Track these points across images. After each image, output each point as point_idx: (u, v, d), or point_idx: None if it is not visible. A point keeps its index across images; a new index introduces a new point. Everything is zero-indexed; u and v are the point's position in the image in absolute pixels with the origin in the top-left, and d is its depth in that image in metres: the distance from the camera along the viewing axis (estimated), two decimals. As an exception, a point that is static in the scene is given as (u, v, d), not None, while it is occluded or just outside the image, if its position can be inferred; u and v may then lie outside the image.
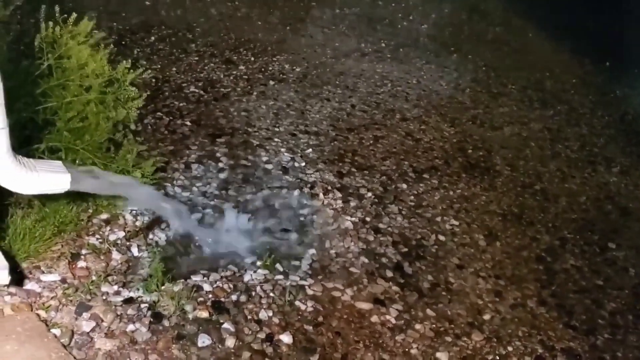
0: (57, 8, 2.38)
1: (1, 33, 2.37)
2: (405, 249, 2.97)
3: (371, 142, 4.04)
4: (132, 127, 3.38)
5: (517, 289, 2.91)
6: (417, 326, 2.47)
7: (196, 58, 4.77)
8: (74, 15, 2.41)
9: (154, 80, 4.19)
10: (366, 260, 2.80)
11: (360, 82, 5.03)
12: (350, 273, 2.69)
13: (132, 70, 2.55)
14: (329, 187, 3.34)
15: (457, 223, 3.32)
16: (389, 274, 2.75)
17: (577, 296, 2.99)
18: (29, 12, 2.58)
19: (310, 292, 2.49)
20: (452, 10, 7.82)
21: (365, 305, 2.50)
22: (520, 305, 2.81)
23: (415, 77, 5.40)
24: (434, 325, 2.51)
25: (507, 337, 2.57)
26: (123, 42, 4.72)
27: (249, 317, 2.27)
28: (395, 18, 7.10)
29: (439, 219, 3.31)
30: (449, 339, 2.46)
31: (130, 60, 2.60)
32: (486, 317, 2.66)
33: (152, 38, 4.96)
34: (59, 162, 1.97)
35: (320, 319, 2.36)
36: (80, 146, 2.47)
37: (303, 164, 3.53)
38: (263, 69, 4.85)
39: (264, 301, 2.36)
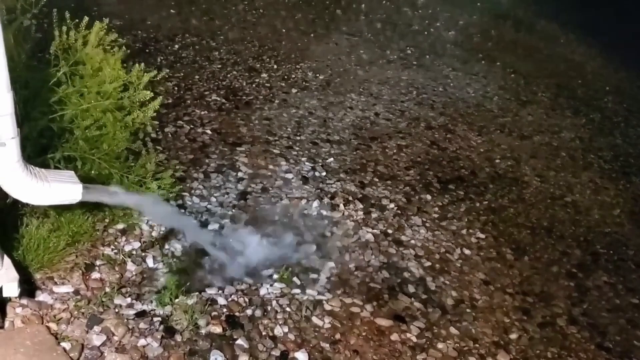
0: (67, 14, 2.35)
1: (18, 41, 2.34)
2: (429, 263, 2.87)
3: (395, 151, 3.95)
4: (153, 135, 3.39)
5: (546, 307, 2.79)
6: (440, 345, 2.36)
7: (219, 66, 4.75)
8: (86, 19, 2.37)
9: (176, 88, 4.17)
10: (387, 275, 2.71)
11: (385, 90, 4.95)
12: (370, 288, 2.60)
13: (146, 73, 2.50)
14: (350, 198, 3.26)
15: (483, 236, 3.20)
16: (411, 289, 2.66)
17: (611, 315, 2.84)
18: (49, 19, 2.55)
19: (328, 307, 2.40)
20: (480, 16, 7.69)
21: (385, 322, 2.40)
22: (550, 324, 2.68)
23: (442, 85, 5.30)
24: (458, 345, 2.40)
25: (535, 358, 2.44)
26: (147, 50, 4.73)
27: (264, 333, 2.19)
28: (421, 25, 7.01)
29: (464, 231, 3.21)
30: (473, 359, 2.35)
31: (143, 64, 2.54)
32: (513, 336, 2.54)
33: (176, 46, 4.96)
34: (71, 173, 1.92)
35: (338, 336, 2.27)
36: (97, 155, 2.43)
37: (324, 173, 3.46)
38: (286, 77, 4.80)
39: (279, 316, 2.29)
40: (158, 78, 2.60)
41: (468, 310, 2.63)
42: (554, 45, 7.33)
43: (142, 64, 2.54)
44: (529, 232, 3.36)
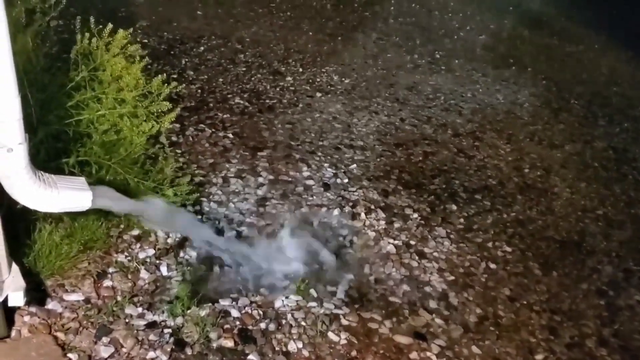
0: (92, 19, 2.31)
1: (37, 44, 2.32)
2: (452, 277, 2.76)
3: (420, 158, 3.84)
4: (174, 138, 3.36)
5: (574, 326, 2.65)
6: (461, 365, 2.26)
7: (244, 69, 4.70)
8: (110, 26, 2.33)
9: (199, 91, 4.14)
10: (408, 289, 2.61)
11: (412, 95, 4.84)
12: (390, 303, 2.50)
13: (167, 85, 2.44)
14: (372, 206, 3.16)
15: (510, 250, 3.08)
16: (433, 304, 2.55)
17: (644, 337, 2.70)
18: (71, 21, 2.52)
19: (345, 322, 2.32)
20: (511, 20, 7.52)
21: (404, 340, 2.31)
22: (578, 345, 2.55)
23: (470, 91, 5.17)
24: (480, 365, 2.29)
25: (562, 381, 2.33)
26: (172, 52, 4.71)
27: (277, 348, 2.12)
28: (451, 29, 6.88)
29: (490, 244, 3.09)
30: (495, 381, 2.24)
31: (165, 74, 2.49)
32: (539, 357, 2.42)
33: (201, 48, 4.93)
34: (82, 179, 1.88)
35: (354, 353, 2.18)
36: (113, 160, 2.39)
37: (346, 180, 3.38)
38: (311, 81, 4.73)
39: (294, 331, 2.21)
40: (178, 89, 2.55)
41: (492, 328, 2.52)
42: (588, 51, 7.12)
43: (164, 75, 2.49)
44: (557, 246, 3.22)
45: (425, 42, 6.26)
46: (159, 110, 2.41)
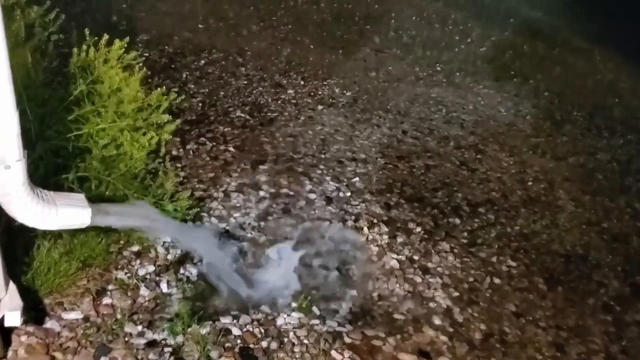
0: (87, 31, 2.29)
1: (36, 58, 2.30)
2: (456, 293, 2.72)
3: (422, 171, 3.81)
4: (174, 152, 3.33)
5: (581, 343, 2.61)
6: (467, 384, 2.22)
7: (245, 82, 4.69)
8: (105, 37, 2.31)
9: (200, 104, 4.12)
10: (412, 305, 2.57)
11: (413, 108, 4.82)
12: (394, 319, 2.46)
13: (166, 97, 2.42)
14: (375, 220, 3.13)
15: (514, 264, 3.04)
16: (437, 321, 2.51)
17: (652, 354, 2.66)
18: (70, 35, 2.50)
19: (348, 340, 2.27)
20: (513, 32, 7.52)
21: (408, 357, 2.26)
22: (585, 362, 2.51)
23: (472, 103, 5.15)
24: (486, 384, 2.25)
25: (570, 400, 2.28)
26: (173, 66, 4.70)
27: (279, 367, 2.08)
28: (452, 41, 6.87)
29: (494, 259, 3.05)
30: (502, 400, 2.20)
31: (166, 88, 2.47)
32: (546, 375, 2.38)
33: (202, 61, 4.92)
34: (81, 196, 1.85)
35: (358, 372, 2.15)
36: (113, 176, 2.36)
37: (348, 194, 3.34)
38: (312, 93, 4.71)
39: (296, 349, 2.17)
40: (178, 101, 2.53)
41: (497, 345, 2.47)
42: (589, 62, 7.11)
43: (163, 88, 2.47)
44: (562, 261, 3.19)
45: (426, 55, 6.25)
46: (158, 123, 2.38)
